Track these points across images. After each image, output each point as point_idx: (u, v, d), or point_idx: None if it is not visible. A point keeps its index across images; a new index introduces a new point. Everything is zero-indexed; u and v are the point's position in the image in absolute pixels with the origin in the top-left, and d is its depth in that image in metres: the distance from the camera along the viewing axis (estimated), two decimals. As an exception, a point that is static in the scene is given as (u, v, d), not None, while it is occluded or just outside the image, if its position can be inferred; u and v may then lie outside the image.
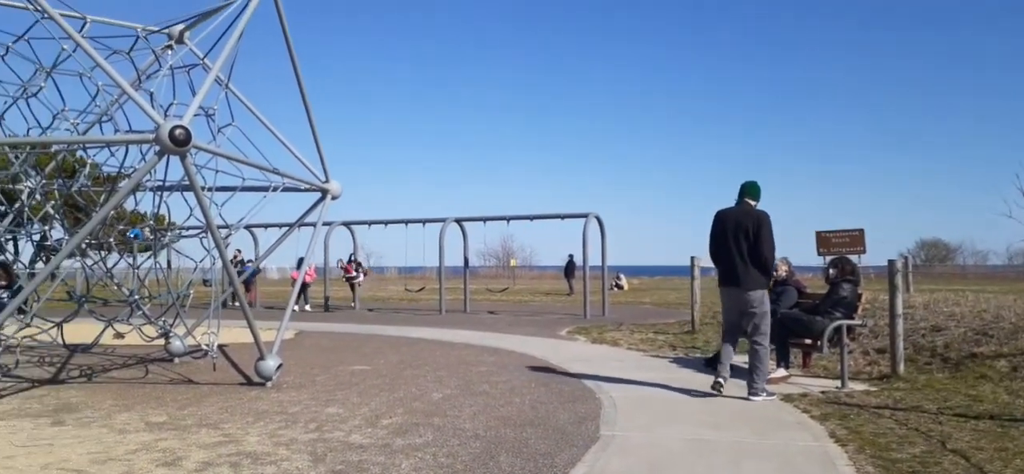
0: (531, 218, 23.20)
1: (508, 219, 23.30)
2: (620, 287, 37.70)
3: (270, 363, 8.93)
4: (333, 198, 10.53)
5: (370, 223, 25.10)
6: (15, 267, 10.92)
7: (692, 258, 16.47)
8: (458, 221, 23.60)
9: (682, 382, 9.18)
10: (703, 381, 8.95)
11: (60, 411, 7.50)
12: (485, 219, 23.62)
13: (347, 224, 25.59)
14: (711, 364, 10.15)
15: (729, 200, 8.35)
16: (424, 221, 23.96)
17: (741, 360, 9.28)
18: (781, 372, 8.95)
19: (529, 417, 7.15)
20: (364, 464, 5.49)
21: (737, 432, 6.53)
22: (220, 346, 11.08)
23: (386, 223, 24.66)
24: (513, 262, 45.42)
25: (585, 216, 21.00)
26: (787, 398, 8.05)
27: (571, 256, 35.00)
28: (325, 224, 16.53)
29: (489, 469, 5.34)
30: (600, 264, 21.92)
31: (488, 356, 11.88)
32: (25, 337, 9.85)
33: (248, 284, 24.92)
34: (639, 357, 11.67)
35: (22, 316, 9.65)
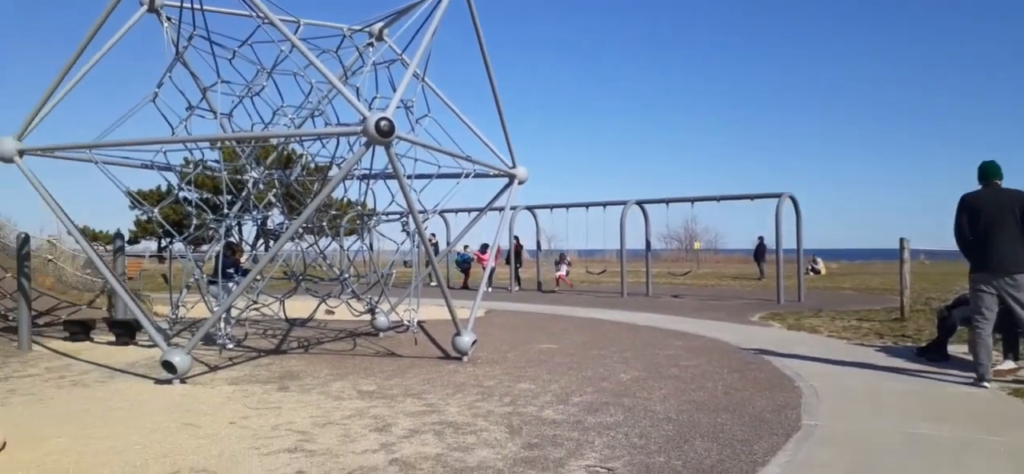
0: (717, 199, 22.43)
1: (693, 201, 22.68)
2: (817, 271, 35.56)
3: (466, 339, 9.38)
4: (520, 183, 10.81)
5: (552, 207, 25.47)
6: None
7: (901, 240, 15.16)
8: (640, 203, 23.35)
9: (891, 372, 8.52)
10: (915, 372, 8.25)
11: (284, 378, 8.33)
12: (668, 201, 23.17)
13: (530, 208, 26.15)
14: (924, 353, 9.34)
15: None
16: (605, 204, 23.93)
17: (955, 349, 8.43)
18: (1009, 364, 8.05)
19: (723, 403, 6.97)
20: (558, 439, 5.63)
21: (959, 427, 5.96)
22: (419, 322, 11.77)
23: (567, 207, 24.90)
24: (697, 245, 44.15)
25: (778, 196, 19.97)
26: (1017, 392, 7.23)
27: (761, 238, 33.47)
28: (511, 208, 16.99)
29: (684, 453, 5.27)
30: (795, 247, 20.79)
31: (675, 340, 11.69)
32: (253, 312, 11.04)
33: (465, 268, 27.18)
34: (841, 345, 10.95)
35: (250, 293, 10.79)
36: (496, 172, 10.64)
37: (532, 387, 7.71)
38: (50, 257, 15.56)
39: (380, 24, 10.87)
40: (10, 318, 11.49)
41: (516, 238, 26.49)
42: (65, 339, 11.25)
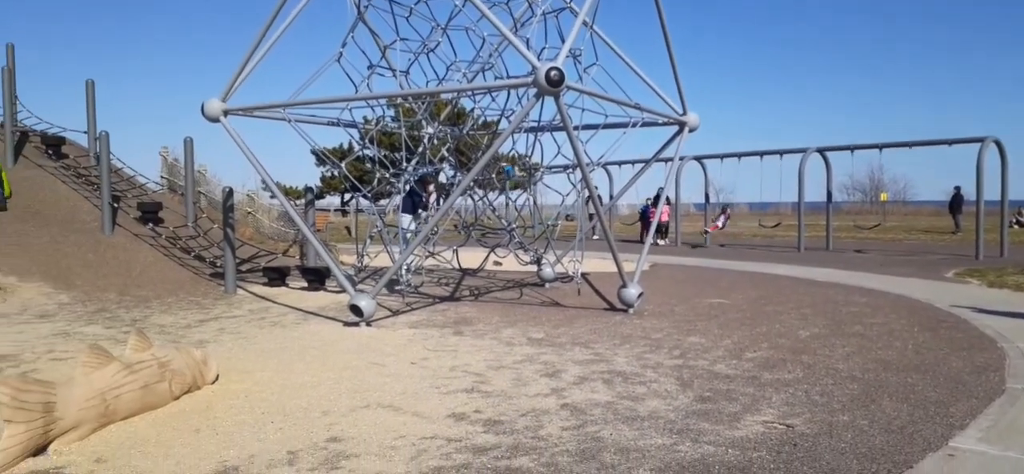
0: (908, 145, 20.60)
1: (880, 147, 20.98)
2: (1023, 224, 31.95)
3: (632, 291, 9.31)
4: (690, 130, 10.47)
5: (722, 156, 24.50)
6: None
7: None
8: (821, 151, 21.92)
9: (1121, 338, 7.51)
10: None
11: (458, 324, 8.69)
12: (852, 148, 21.57)
13: (698, 158, 25.33)
14: None
15: None
16: (781, 152, 22.68)
17: None
18: None
19: (913, 362, 6.47)
20: (732, 393, 5.47)
21: None
22: (584, 274, 11.83)
23: (739, 156, 23.85)
24: (883, 196, 40.80)
25: (980, 141, 18.01)
26: None
27: (958, 188, 30.48)
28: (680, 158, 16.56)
29: (870, 412, 4.95)
30: (998, 198, 18.72)
31: (858, 296, 10.96)
32: (429, 260, 11.58)
33: (645, 221, 26.37)
34: (1055, 306, 9.80)
35: (427, 243, 11.29)
36: (665, 119, 10.37)
37: (702, 341, 7.54)
38: (249, 210, 17.12)
39: (549, -27, 10.82)
40: (218, 265, 12.79)
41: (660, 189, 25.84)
42: (264, 284, 12.36)
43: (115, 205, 13.61)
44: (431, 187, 12.23)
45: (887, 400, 5.26)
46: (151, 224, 13.86)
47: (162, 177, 17.30)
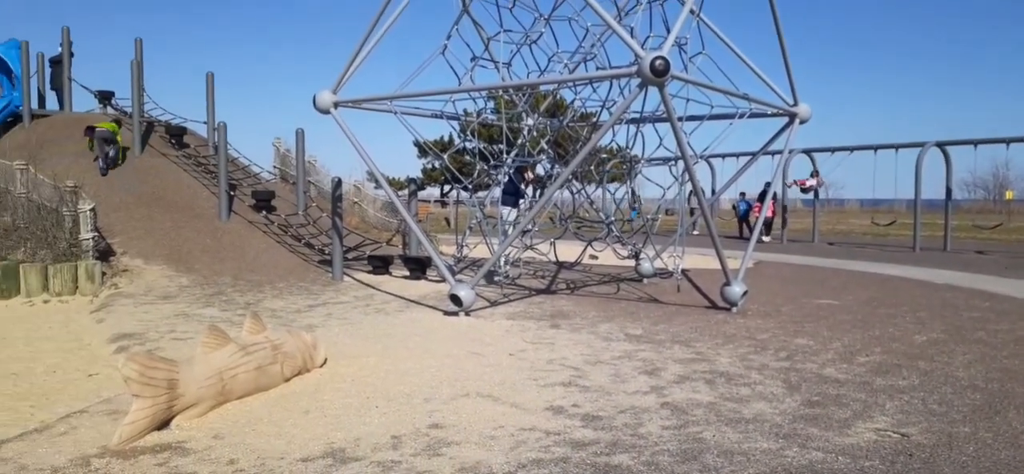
0: (1040, 140, 19.10)
1: (1007, 142, 19.56)
2: None
3: (736, 289, 9.05)
4: (801, 122, 10.08)
5: (833, 150, 23.44)
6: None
7: None
8: (940, 145, 20.64)
9: None
10: None
11: (555, 317, 8.69)
12: (975, 142, 20.19)
13: (808, 151, 24.33)
14: None
15: None
16: (897, 146, 21.51)
17: None
18: None
19: (1048, 375, 5.99)
20: (842, 398, 5.23)
21: None
22: (684, 270, 11.59)
23: (851, 150, 22.77)
24: (1009, 194, 37.93)
25: (1126, 136, 16.51)
26: None
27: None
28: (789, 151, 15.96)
29: (995, 425, 4.63)
30: None
31: (980, 300, 10.27)
32: (526, 252, 11.63)
33: (745, 217, 25.47)
34: None
35: (525, 235, 11.34)
36: (775, 110, 10.01)
37: (811, 343, 7.24)
38: (356, 200, 17.68)
39: (655, -39, 10.63)
40: (326, 252, 13.28)
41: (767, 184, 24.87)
42: (368, 272, 12.74)
43: (231, 193, 14.34)
44: (528, 175, 12.24)
45: (1014, 413, 4.90)
46: (264, 212, 14.54)
47: (275, 167, 18.09)
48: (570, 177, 11.75)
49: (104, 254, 11.42)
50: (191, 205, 14.28)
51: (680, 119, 9.82)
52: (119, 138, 15.35)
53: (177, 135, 17.26)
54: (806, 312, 9.19)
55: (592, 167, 12.34)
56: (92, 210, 11.05)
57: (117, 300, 9.83)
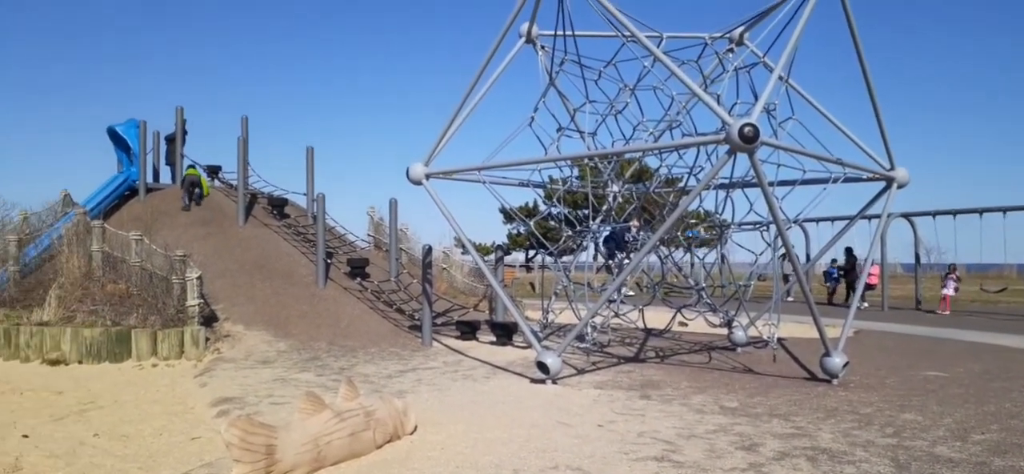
0: None
1: None
2: None
3: (837, 360, 8.67)
4: (899, 186, 9.72)
5: (934, 214, 22.36)
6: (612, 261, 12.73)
7: None
8: (1056, 208, 19.40)
9: None
10: None
11: (645, 387, 8.52)
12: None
13: (907, 216, 23.29)
14: None
15: None
16: (1005, 209, 20.33)
17: None
18: None
19: None
20: (959, 482, 4.89)
21: None
22: (779, 339, 11.20)
23: (955, 213, 21.67)
24: None
25: None
26: None
27: None
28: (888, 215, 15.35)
29: None
30: None
31: (1113, 375, 9.48)
32: (613, 320, 11.51)
33: (832, 282, 24.71)
34: None
35: (613, 302, 11.26)
36: (871, 175, 9.69)
37: (919, 419, 6.83)
38: (445, 266, 18.00)
39: (741, 29, 10.64)
40: (416, 318, 13.52)
41: (849, 250, 23.79)
42: (456, 337, 12.87)
43: (328, 261, 14.86)
44: (634, 223, 12.12)
45: None
46: (359, 278, 14.97)
47: (369, 235, 18.67)
48: (658, 243, 11.65)
49: (208, 320, 11.98)
50: (290, 272, 14.85)
51: (771, 184, 9.65)
52: (203, 182, 18.14)
53: (278, 206, 18.11)
54: (913, 385, 8.69)
55: (680, 232, 12.19)
56: (199, 278, 11.65)
57: (219, 364, 10.25)
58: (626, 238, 11.62)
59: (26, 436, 6.82)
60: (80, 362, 10.80)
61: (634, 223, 12.07)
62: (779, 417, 6.88)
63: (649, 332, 13.08)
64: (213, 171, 19.74)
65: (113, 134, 19.05)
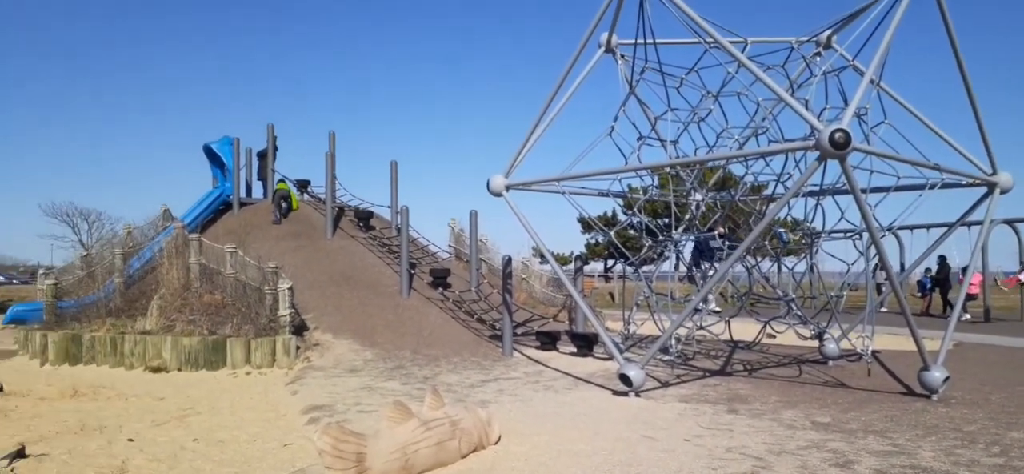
0: None
1: None
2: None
3: (936, 374, 8.27)
4: (1002, 192, 9.21)
5: (1042, 219, 21.02)
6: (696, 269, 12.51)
7: None
8: None
9: None
10: None
11: (732, 401, 8.32)
12: None
13: (1010, 222, 21.98)
14: None
15: None
16: None
17: None
18: None
19: None
20: (1077, 507, 4.59)
21: None
22: (874, 352, 10.75)
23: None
24: None
25: None
26: None
27: None
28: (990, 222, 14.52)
29: None
30: None
31: None
32: (700, 331, 11.29)
33: (925, 292, 23.68)
34: None
35: (698, 313, 11.04)
36: (971, 180, 9.22)
37: (1031, 438, 6.43)
38: (524, 276, 18.08)
39: (828, 32, 10.32)
40: (496, 328, 13.62)
41: (942, 258, 22.50)
42: (536, 348, 12.90)
43: (412, 271, 15.16)
44: (719, 230, 11.89)
45: None
46: (440, 289, 15.20)
47: (450, 246, 18.94)
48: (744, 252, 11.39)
49: (299, 329, 12.39)
50: (376, 283, 15.22)
51: (864, 191, 9.30)
52: (292, 196, 18.91)
53: (364, 218, 18.60)
54: (1021, 401, 8.19)
55: (767, 241, 11.87)
56: (290, 288, 12.08)
57: (309, 372, 10.59)
58: (712, 246, 11.38)
59: (131, 440, 7.21)
60: (179, 369, 11.36)
61: (719, 230, 11.83)
62: (875, 433, 6.60)
63: (735, 345, 12.78)
64: (302, 186, 20.45)
65: (209, 151, 20.00)
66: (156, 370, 11.36)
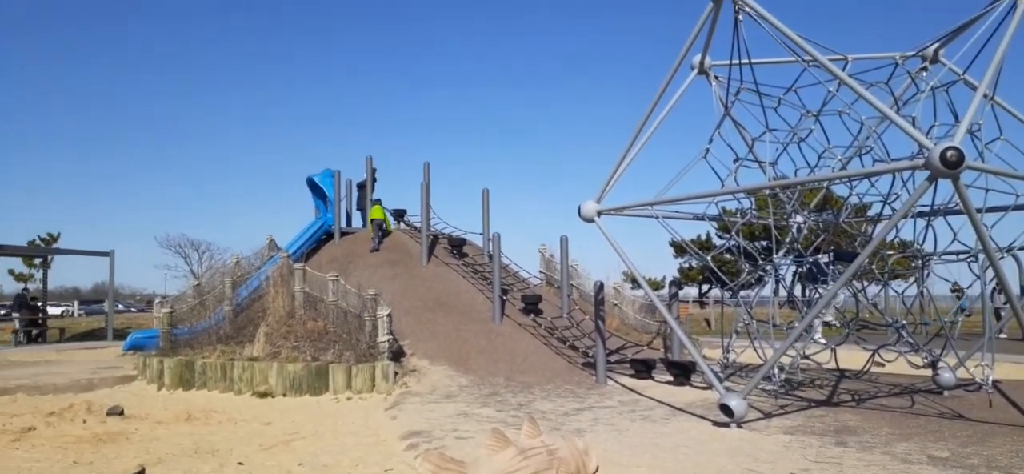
0: None
1: None
2: None
3: (1068, 407, 7.67)
4: None
5: None
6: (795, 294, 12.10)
7: None
8: None
9: None
10: None
11: (840, 432, 7.96)
12: None
13: None
14: None
15: None
16: None
17: None
18: None
19: None
20: None
21: None
22: (995, 382, 10.08)
23: None
24: None
25: None
26: None
27: None
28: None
29: None
30: None
31: None
32: (805, 358, 10.88)
33: None
34: None
35: (803, 340, 10.65)
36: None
37: None
38: (615, 302, 17.91)
39: (935, 46, 9.86)
40: (589, 354, 13.53)
41: None
42: (630, 376, 12.72)
43: (504, 297, 15.28)
44: (823, 255, 11.45)
45: None
46: (532, 315, 15.25)
47: (541, 272, 19.00)
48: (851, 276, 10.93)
49: (396, 355, 12.68)
50: (469, 309, 15.42)
51: (979, 211, 8.79)
52: (387, 221, 19.66)
53: (457, 245, 18.93)
54: None
55: (874, 265, 11.35)
56: (388, 315, 12.39)
57: (407, 398, 10.81)
58: (823, 268, 10.95)
59: (241, 463, 7.52)
60: (284, 395, 11.81)
61: (823, 256, 11.39)
62: (999, 470, 6.18)
63: (842, 373, 12.23)
64: (399, 215, 21.03)
65: (311, 183, 20.86)
66: (262, 395, 11.84)
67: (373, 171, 20.87)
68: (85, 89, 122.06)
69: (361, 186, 21.04)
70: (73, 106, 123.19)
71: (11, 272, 63.73)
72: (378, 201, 19.99)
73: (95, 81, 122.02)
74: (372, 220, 19.43)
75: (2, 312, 33.30)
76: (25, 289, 26.76)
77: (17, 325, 25.15)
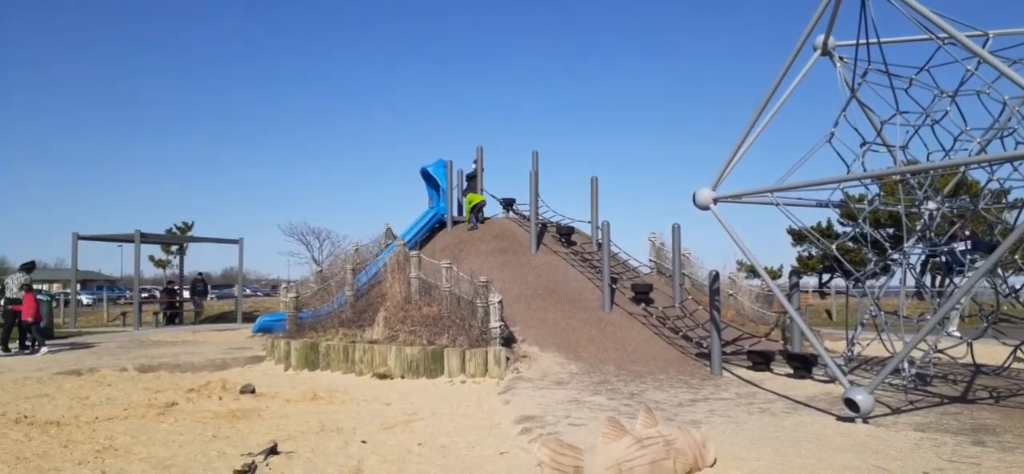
0: None
1: None
2: None
3: None
4: None
5: None
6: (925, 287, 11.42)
7: None
8: None
9: None
10: None
11: (977, 431, 7.47)
12: None
13: None
14: None
15: None
16: None
17: None
18: None
19: None
20: None
21: None
22: None
23: None
24: None
25: None
26: None
27: None
28: None
29: None
30: None
31: None
32: (937, 352, 10.26)
33: None
34: None
35: (937, 333, 10.05)
36: None
37: None
38: (731, 292, 17.44)
39: (1091, 16, 9.02)
40: (703, 345, 13.26)
41: None
42: (747, 368, 12.38)
43: (613, 286, 15.19)
44: (967, 234, 10.77)
45: None
46: (643, 304, 15.09)
47: (651, 260, 18.77)
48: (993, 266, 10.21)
49: (507, 341, 12.87)
50: (578, 297, 15.43)
51: None
52: (479, 198, 20.34)
53: (566, 234, 18.97)
54: None
55: (1017, 255, 10.54)
56: (499, 302, 12.58)
57: (518, 383, 10.95)
58: (962, 257, 10.28)
59: (364, 442, 7.85)
60: (402, 377, 12.23)
61: (959, 244, 10.68)
62: None
63: (978, 369, 11.46)
64: (507, 204, 21.29)
65: (425, 174, 21.44)
66: (382, 377, 12.30)
67: (482, 160, 21.23)
68: (215, 97, 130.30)
69: (470, 176, 21.43)
70: (208, 107, 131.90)
71: (151, 258, 69.05)
72: (468, 190, 20.55)
73: (228, 87, 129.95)
74: (471, 205, 20.19)
75: (144, 295, 36.06)
76: (199, 274, 28.93)
77: (158, 307, 27.22)
